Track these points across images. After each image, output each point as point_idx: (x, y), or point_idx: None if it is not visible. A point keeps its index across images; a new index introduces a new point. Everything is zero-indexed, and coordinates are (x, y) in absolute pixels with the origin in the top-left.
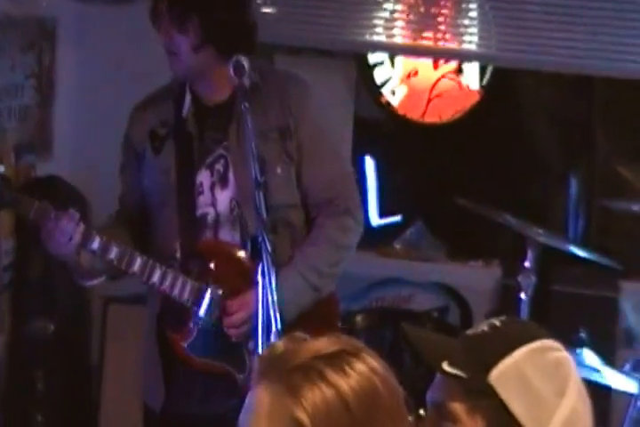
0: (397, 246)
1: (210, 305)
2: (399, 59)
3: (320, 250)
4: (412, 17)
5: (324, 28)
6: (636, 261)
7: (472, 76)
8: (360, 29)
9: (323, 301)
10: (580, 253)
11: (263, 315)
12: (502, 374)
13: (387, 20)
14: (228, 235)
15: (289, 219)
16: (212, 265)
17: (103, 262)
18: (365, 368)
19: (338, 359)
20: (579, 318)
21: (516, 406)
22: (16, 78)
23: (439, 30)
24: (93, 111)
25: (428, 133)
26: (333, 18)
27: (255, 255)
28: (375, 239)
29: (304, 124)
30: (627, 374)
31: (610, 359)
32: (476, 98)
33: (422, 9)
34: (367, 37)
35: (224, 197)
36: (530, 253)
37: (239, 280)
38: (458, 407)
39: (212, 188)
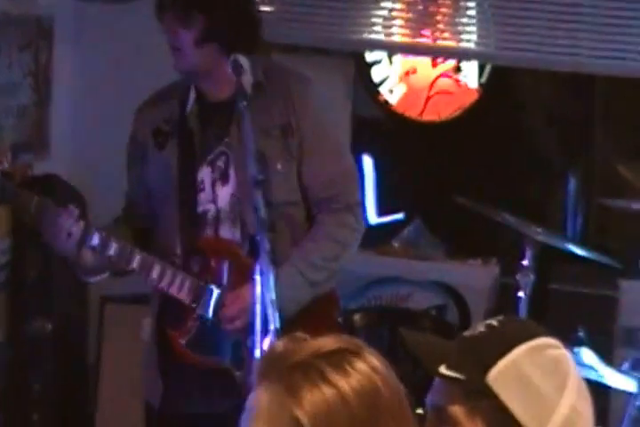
0: (396, 245)
1: (209, 303)
2: (397, 57)
3: (318, 246)
4: (410, 15)
5: (321, 26)
6: (635, 259)
7: (470, 75)
8: (358, 27)
9: (323, 297)
10: (579, 251)
11: (261, 313)
12: (501, 374)
13: (385, 18)
14: (228, 232)
15: (289, 216)
16: (212, 262)
17: (104, 259)
18: (366, 367)
19: (338, 358)
20: (577, 316)
21: (516, 406)
22: (13, 77)
23: (437, 28)
24: (91, 110)
25: (427, 132)
26: (331, 16)
27: (253, 254)
28: (373, 238)
29: (306, 121)
30: (625, 373)
31: (608, 358)
32: (475, 96)
33: (421, 7)
34: (365, 36)
35: (225, 194)
36: (528, 252)
37: (239, 278)
38: (457, 410)
39: (213, 184)
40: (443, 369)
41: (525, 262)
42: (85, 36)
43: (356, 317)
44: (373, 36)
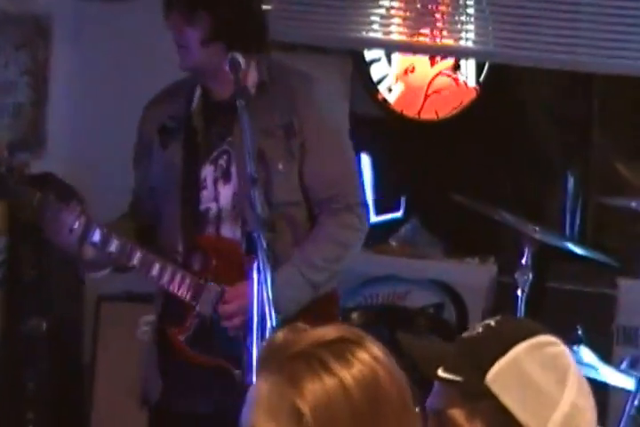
0: (393, 243)
1: (208, 301)
2: (396, 55)
3: (319, 247)
4: (408, 13)
5: (319, 24)
6: (633, 258)
7: (469, 73)
8: (356, 26)
9: (323, 298)
10: (577, 250)
11: (258, 311)
12: (499, 374)
13: (383, 16)
14: (229, 230)
15: (291, 216)
16: (212, 261)
17: (105, 255)
18: (368, 357)
19: (340, 347)
20: (576, 315)
21: (516, 405)
22: (10, 75)
23: (436, 27)
24: (88, 109)
25: (425, 130)
26: (329, 14)
27: (250, 251)
28: (371, 236)
29: (308, 121)
30: (624, 371)
31: (607, 357)
32: (473, 95)
33: (419, 5)
34: (363, 34)
35: (227, 192)
36: (526, 251)
37: (239, 277)
38: (457, 413)
39: (215, 183)
40: (440, 372)
41: (523, 261)
42: (84, 34)
43: (354, 315)
44: (372, 35)
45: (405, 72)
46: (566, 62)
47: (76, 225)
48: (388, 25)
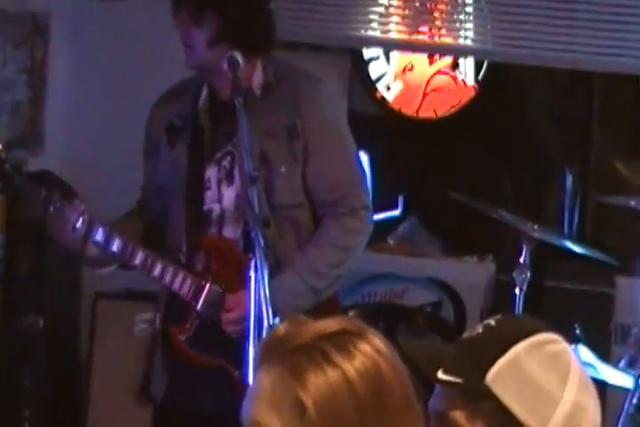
0: (391, 242)
1: (209, 301)
2: (394, 54)
3: (321, 252)
4: (407, 12)
5: (318, 22)
6: (632, 256)
7: (468, 72)
8: (355, 24)
9: (324, 303)
10: (576, 248)
11: (255, 309)
12: (500, 374)
13: (382, 14)
14: (231, 232)
15: (293, 218)
16: (214, 262)
17: (109, 253)
18: (370, 349)
19: (342, 340)
20: (574, 313)
21: (516, 405)
22: (8, 73)
23: (435, 25)
24: (85, 107)
25: (423, 129)
26: (328, 13)
27: (248, 250)
28: None
29: (311, 123)
30: (622, 369)
31: (605, 355)
32: (472, 93)
33: (418, 4)
34: (362, 32)
35: (230, 194)
36: (525, 249)
37: (240, 278)
38: (458, 415)
39: (218, 184)
40: (440, 374)
41: (522, 259)
42: (82, 33)
43: (351, 313)
44: (370, 33)
45: (404, 70)
46: (565, 60)
47: (79, 223)
48: (387, 23)
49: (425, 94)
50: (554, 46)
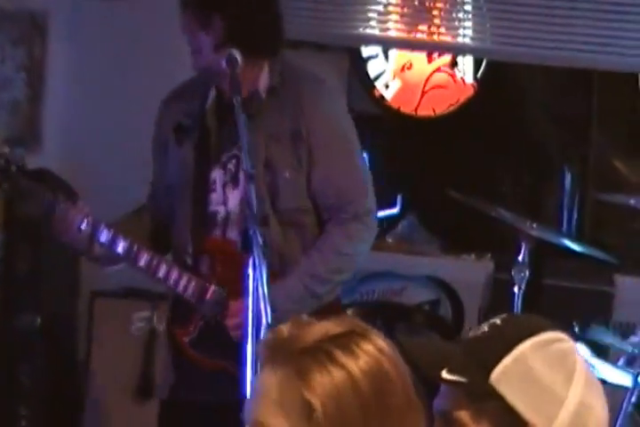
0: (389, 240)
1: (213, 304)
2: (393, 52)
3: (323, 258)
4: (406, 10)
5: (317, 21)
6: (631, 254)
7: (466, 70)
8: (354, 23)
9: (326, 307)
10: (574, 246)
11: (253, 307)
12: (504, 373)
13: (380, 13)
14: (235, 234)
15: (298, 222)
16: (218, 264)
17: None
18: (374, 349)
19: (346, 340)
20: (572, 312)
21: (521, 405)
22: (6, 72)
23: (433, 23)
24: (84, 105)
25: (422, 127)
26: (326, 11)
27: (246, 248)
28: None
29: (315, 127)
30: (621, 368)
31: (604, 354)
32: (471, 91)
33: (416, 2)
34: (361, 31)
35: (235, 197)
36: (523, 247)
37: (242, 279)
38: (463, 415)
39: (224, 186)
40: (444, 374)
41: (520, 258)
42: (80, 31)
43: (349, 311)
44: (369, 31)
45: (402, 69)
46: (564, 59)
47: (84, 225)
48: (386, 21)
49: (424, 92)
50: (552, 45)
